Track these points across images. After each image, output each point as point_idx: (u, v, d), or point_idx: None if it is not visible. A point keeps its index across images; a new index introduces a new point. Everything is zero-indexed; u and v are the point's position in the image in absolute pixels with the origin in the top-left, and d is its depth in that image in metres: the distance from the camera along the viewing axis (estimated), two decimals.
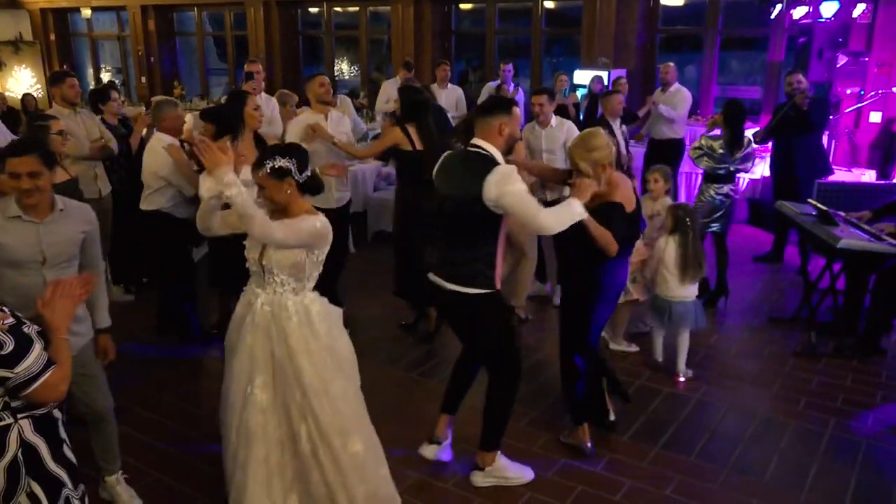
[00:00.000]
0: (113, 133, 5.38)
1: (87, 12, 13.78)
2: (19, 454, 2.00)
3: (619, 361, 4.60)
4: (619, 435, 3.80)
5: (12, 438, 1.99)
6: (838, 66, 7.81)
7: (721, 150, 5.40)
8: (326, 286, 4.81)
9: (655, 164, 5.56)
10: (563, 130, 5.43)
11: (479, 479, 3.38)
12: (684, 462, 3.58)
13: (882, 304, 4.73)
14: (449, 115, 7.74)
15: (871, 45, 7.56)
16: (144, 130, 5.84)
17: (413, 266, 4.81)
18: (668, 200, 4.84)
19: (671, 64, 7.79)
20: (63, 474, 2.09)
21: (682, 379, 4.43)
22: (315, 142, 4.73)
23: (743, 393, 4.30)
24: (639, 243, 4.32)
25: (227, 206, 2.78)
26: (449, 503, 3.31)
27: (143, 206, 4.62)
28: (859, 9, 7.38)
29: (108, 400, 3.14)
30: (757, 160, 7.85)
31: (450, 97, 8.20)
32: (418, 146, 4.70)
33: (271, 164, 2.70)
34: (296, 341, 2.77)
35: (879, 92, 7.42)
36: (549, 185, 5.14)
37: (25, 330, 1.98)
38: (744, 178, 8.00)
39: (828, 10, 7.31)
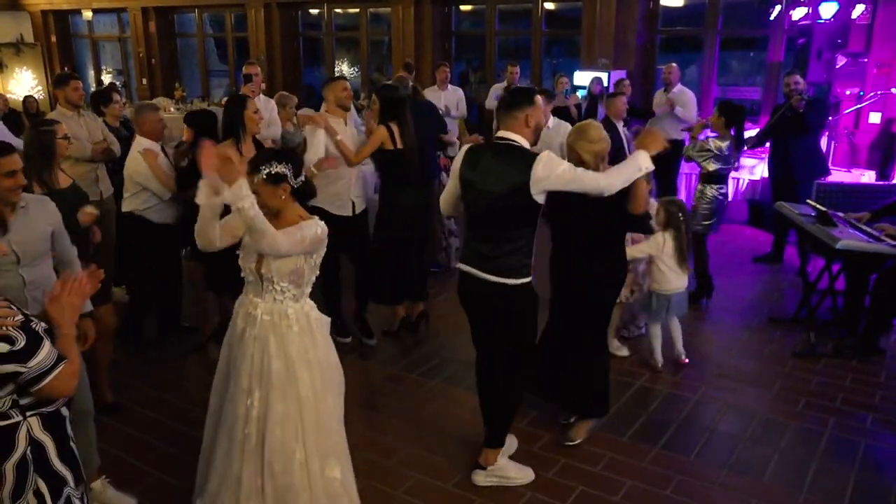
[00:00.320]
0: (115, 135, 5.39)
1: (87, 14, 13.80)
2: (28, 452, 2.00)
3: (619, 363, 4.61)
4: (619, 435, 3.81)
5: (21, 436, 1.99)
6: (837, 66, 7.82)
7: (727, 152, 5.40)
8: (361, 295, 4.89)
9: (657, 164, 5.52)
10: (561, 132, 5.43)
11: (481, 479, 3.38)
12: (684, 462, 3.58)
13: (881, 305, 4.74)
14: (449, 116, 7.83)
15: (870, 45, 7.56)
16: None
17: (389, 266, 4.81)
18: (653, 202, 4.84)
19: (674, 64, 7.77)
20: (67, 473, 2.09)
21: (686, 361, 4.59)
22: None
23: (742, 393, 4.30)
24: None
25: (222, 214, 2.71)
26: (449, 503, 3.32)
27: (123, 207, 4.68)
28: (858, 10, 7.38)
29: (89, 401, 3.05)
30: (757, 161, 7.93)
31: (450, 98, 8.21)
32: (399, 144, 4.61)
33: (268, 170, 2.63)
34: (296, 351, 2.73)
35: (878, 93, 7.42)
36: None
37: (34, 326, 1.99)
38: (744, 179, 8.02)
39: (827, 10, 7.32)
